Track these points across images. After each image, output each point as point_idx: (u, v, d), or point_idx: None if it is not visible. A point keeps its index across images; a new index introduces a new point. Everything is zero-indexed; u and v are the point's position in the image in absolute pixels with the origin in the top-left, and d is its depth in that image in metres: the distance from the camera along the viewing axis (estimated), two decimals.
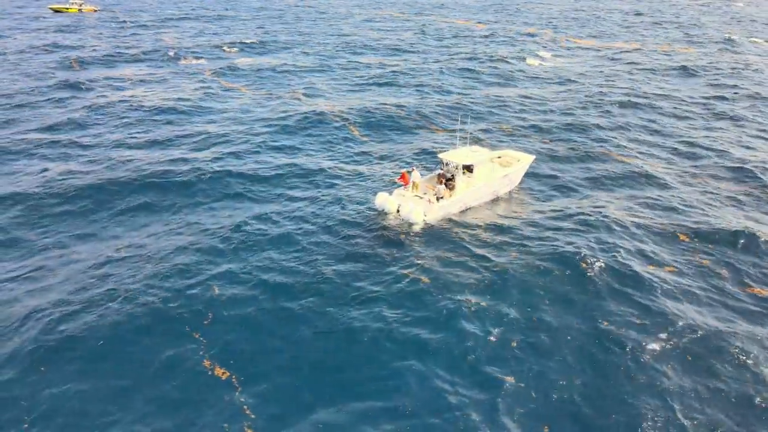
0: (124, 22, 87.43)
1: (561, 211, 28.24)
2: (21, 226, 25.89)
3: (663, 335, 19.06)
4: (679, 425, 15.89)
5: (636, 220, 27.11)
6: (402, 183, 29.77)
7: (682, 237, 25.71)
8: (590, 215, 27.22)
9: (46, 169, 31.69)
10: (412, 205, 27.84)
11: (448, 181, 30.02)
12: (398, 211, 28.16)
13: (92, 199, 28.42)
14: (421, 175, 31.29)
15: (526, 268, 22.60)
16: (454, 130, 40.21)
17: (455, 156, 30.01)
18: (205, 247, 23.48)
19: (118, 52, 63.57)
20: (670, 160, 35.48)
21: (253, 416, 15.73)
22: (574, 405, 16.39)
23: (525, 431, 15.51)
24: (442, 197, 28.71)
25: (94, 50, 64.62)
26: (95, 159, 33.35)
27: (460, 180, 29.79)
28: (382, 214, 28.21)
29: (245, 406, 16.00)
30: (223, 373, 17.10)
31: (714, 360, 18.28)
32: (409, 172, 29.78)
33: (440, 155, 30.58)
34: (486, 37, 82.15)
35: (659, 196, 30.21)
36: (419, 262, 23.26)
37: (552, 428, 15.67)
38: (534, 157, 32.90)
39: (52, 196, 28.40)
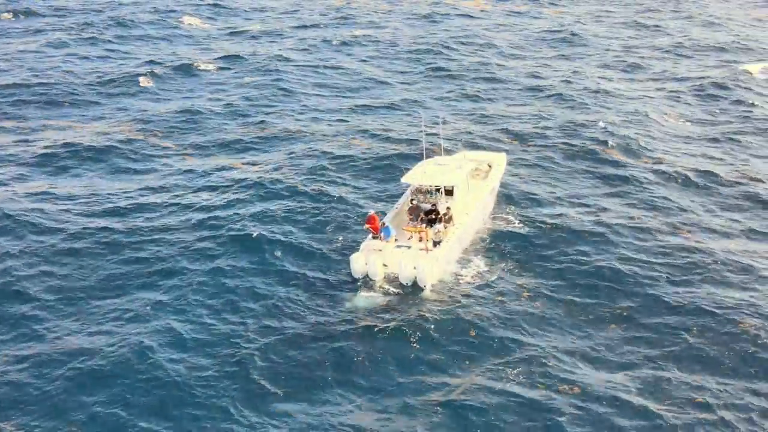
0: (77, 24, 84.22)
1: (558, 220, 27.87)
2: None
3: None
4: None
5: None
6: (372, 230, 22.15)
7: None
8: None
9: None
10: (409, 264, 21.01)
11: (428, 214, 23.44)
12: (384, 274, 21.55)
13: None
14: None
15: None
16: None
17: (431, 174, 23.28)
18: None
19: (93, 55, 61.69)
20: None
21: None
22: None
23: None
24: (440, 241, 22.00)
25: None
26: None
27: (462, 202, 23.46)
28: (365, 281, 21.85)
29: None
30: None
31: None
32: (383, 213, 23.97)
33: (409, 179, 23.68)
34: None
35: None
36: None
37: None
38: (505, 154, 28.73)
39: None
